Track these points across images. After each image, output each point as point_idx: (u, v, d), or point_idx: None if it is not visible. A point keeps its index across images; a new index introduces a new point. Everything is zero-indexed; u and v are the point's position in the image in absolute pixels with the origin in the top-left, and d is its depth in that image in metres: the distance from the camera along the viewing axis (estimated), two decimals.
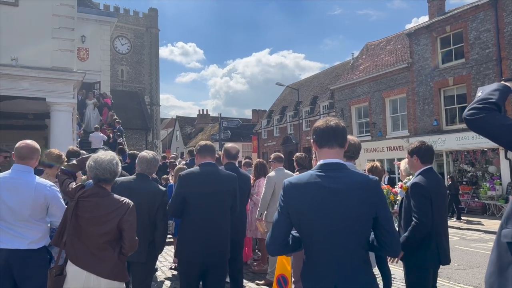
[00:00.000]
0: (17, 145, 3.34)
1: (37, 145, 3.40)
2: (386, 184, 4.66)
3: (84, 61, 21.27)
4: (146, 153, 3.86)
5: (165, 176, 9.23)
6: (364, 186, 2.01)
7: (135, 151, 10.63)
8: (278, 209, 2.09)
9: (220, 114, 24.30)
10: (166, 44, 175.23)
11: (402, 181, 4.46)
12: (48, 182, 3.25)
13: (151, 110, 42.43)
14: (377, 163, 5.12)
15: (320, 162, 2.12)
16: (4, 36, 9.67)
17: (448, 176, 17.22)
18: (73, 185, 2.83)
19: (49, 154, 4.49)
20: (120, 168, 2.89)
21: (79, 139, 13.53)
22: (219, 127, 19.73)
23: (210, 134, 44.35)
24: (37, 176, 3.26)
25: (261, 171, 6.65)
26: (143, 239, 3.58)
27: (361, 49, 28.55)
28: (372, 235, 2.09)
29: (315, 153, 4.30)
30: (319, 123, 2.20)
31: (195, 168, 3.77)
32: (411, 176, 4.09)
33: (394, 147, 21.55)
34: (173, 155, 13.87)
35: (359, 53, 28.32)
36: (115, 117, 17.27)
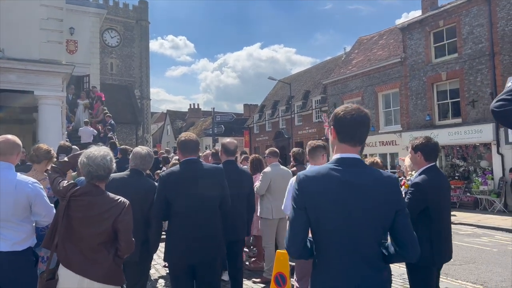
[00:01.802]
0: None
1: (18, 140, 3.20)
2: None
3: (73, 53, 20.85)
4: (141, 149, 3.68)
5: (158, 171, 9.05)
6: (385, 182, 1.90)
7: (127, 146, 10.40)
8: (293, 205, 1.92)
9: (214, 108, 24.06)
10: (156, 37, 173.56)
11: (405, 177, 4.35)
12: (30, 179, 3.05)
13: (141, 104, 41.98)
14: (377, 159, 4.99)
15: (337, 156, 1.97)
16: None
17: None
18: (64, 183, 2.64)
19: (38, 149, 4.27)
20: (114, 165, 2.71)
21: (66, 132, 13.20)
22: (212, 121, 19.48)
23: (202, 129, 44.17)
24: (18, 173, 3.06)
25: (257, 166, 6.50)
26: (136, 237, 3.41)
27: (354, 43, 28.47)
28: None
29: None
30: (345, 111, 1.96)
31: (176, 166, 3.57)
32: (414, 172, 3.99)
33: (386, 141, 21.54)
34: (163, 150, 13.67)
35: (352, 48, 28.24)
36: (106, 111, 16.93)
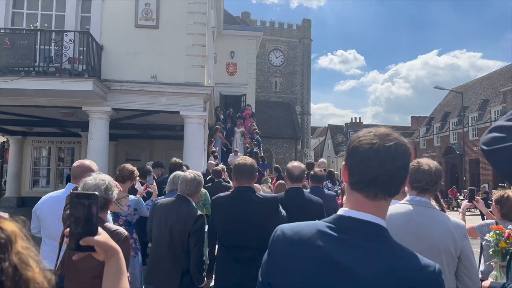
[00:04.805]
0: (73, 164, 3.36)
1: (92, 165, 3.32)
2: None
3: (233, 75, 22.68)
4: (188, 173, 3.50)
5: None
6: (401, 280, 1.06)
7: (278, 166, 11.12)
8: (259, 276, 1.26)
9: (347, 124, 22.67)
10: (326, 53, 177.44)
11: None
12: None
13: (301, 119, 43.00)
14: (510, 192, 3.65)
15: (340, 212, 1.20)
16: (145, 56, 10.75)
17: None
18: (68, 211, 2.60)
19: (123, 169, 4.51)
20: (114, 193, 2.53)
21: (216, 149, 14.20)
22: (346, 138, 18.42)
23: None
24: None
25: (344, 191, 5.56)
26: (176, 269, 3.22)
27: None
28: None
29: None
30: (364, 136, 1.18)
31: (227, 193, 3.38)
32: None
33: None
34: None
35: None
36: (255, 127, 17.79)
